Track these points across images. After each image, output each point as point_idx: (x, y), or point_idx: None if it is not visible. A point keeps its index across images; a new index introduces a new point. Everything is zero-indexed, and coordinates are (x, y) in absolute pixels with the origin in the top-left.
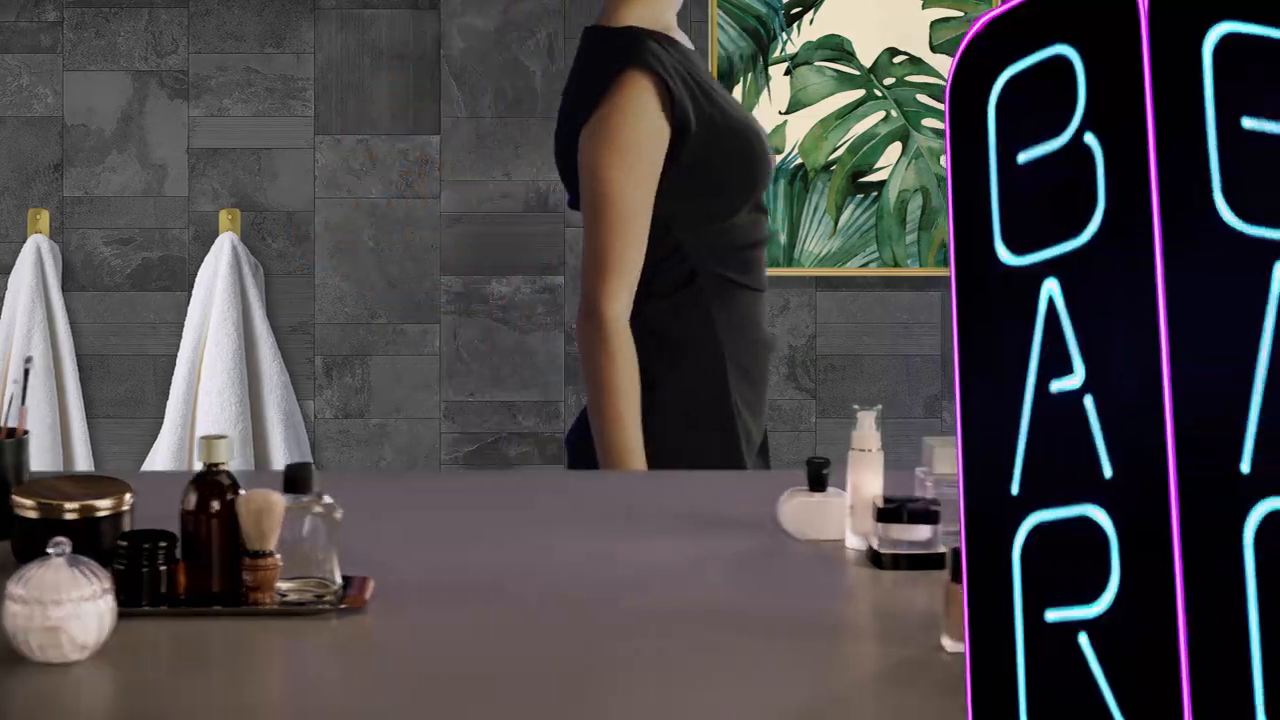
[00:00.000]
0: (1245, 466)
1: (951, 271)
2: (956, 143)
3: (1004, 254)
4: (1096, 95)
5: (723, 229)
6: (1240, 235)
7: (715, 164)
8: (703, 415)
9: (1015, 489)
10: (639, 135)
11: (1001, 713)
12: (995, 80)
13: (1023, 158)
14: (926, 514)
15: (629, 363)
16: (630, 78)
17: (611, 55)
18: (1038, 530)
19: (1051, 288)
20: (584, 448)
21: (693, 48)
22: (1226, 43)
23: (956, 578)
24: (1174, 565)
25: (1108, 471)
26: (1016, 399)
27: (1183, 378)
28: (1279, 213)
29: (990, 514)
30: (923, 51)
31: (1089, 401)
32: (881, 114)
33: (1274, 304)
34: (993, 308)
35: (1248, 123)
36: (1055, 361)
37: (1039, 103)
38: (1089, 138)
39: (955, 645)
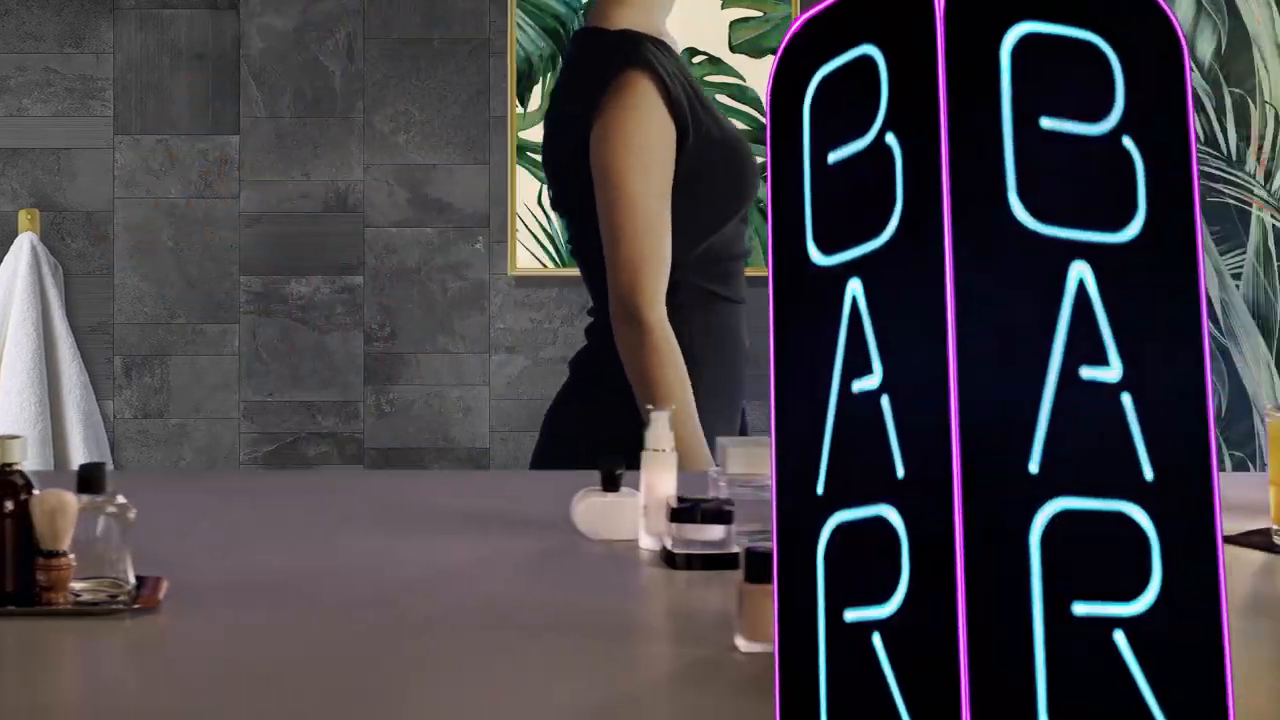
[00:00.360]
0: (1034, 467)
1: (770, 272)
2: (775, 143)
3: (815, 254)
4: (897, 95)
5: (710, 241)
6: (1035, 235)
7: (708, 174)
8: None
9: (820, 489)
10: (651, 136)
11: (806, 714)
12: (810, 80)
13: (833, 158)
14: (720, 514)
15: (680, 363)
16: (633, 77)
17: (610, 55)
18: (839, 530)
19: (855, 288)
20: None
21: (680, 54)
22: (1026, 42)
23: (750, 578)
24: (956, 566)
25: (900, 471)
26: (824, 399)
27: (971, 378)
28: (1076, 213)
29: (799, 514)
30: (722, 51)
31: (885, 401)
32: None
33: (1068, 304)
34: (805, 308)
35: (1046, 122)
36: (857, 362)
37: (848, 103)
38: (890, 138)
39: (749, 645)
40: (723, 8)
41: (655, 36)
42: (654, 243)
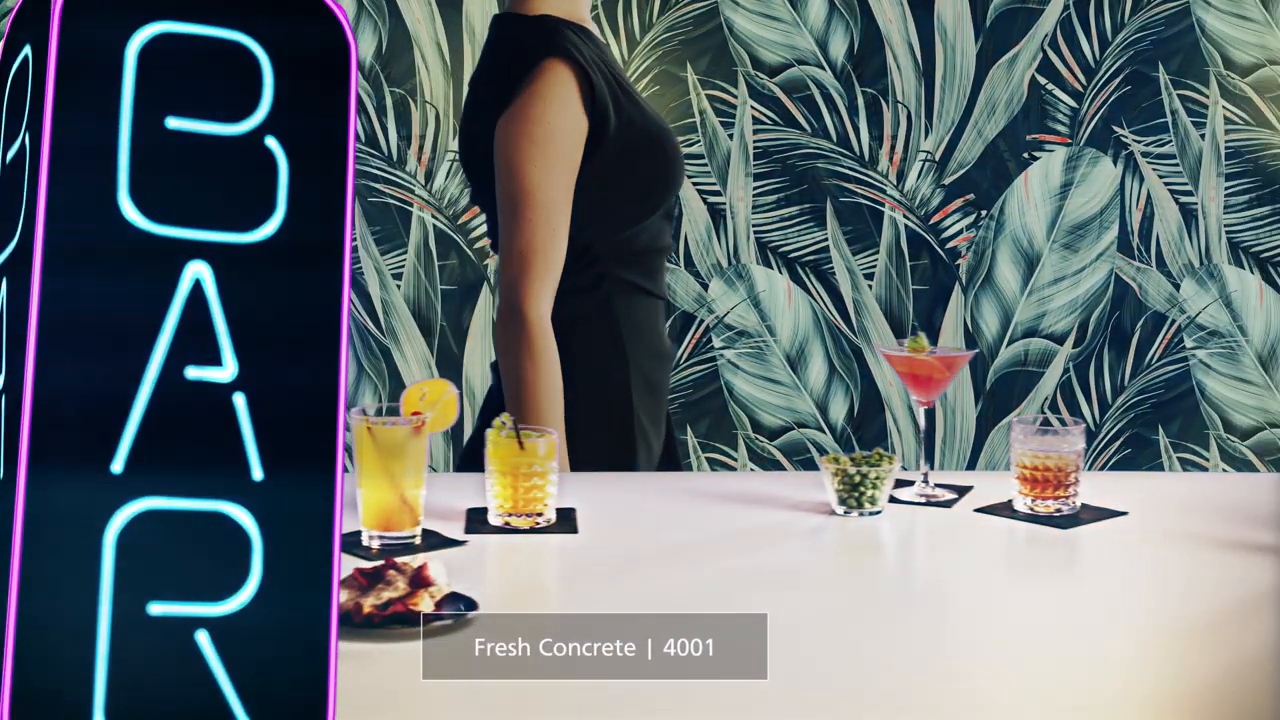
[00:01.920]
0: (118, 467)
1: None
2: None
3: None
4: (34, 96)
5: (634, 233)
6: (147, 235)
7: (632, 166)
8: (603, 424)
9: None
10: (558, 127)
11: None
12: (7, 79)
13: (9, 158)
14: None
15: (552, 364)
16: (550, 67)
17: (529, 44)
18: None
19: (2, 291)
20: None
21: (605, 41)
22: (160, 42)
23: None
24: (12, 567)
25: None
26: None
27: (53, 380)
28: (201, 213)
29: None
30: None
31: (2, 402)
32: None
33: (179, 303)
34: None
35: (173, 122)
36: None
37: (15, 104)
38: (27, 139)
39: None
40: None
41: (576, 22)
42: (547, 238)
